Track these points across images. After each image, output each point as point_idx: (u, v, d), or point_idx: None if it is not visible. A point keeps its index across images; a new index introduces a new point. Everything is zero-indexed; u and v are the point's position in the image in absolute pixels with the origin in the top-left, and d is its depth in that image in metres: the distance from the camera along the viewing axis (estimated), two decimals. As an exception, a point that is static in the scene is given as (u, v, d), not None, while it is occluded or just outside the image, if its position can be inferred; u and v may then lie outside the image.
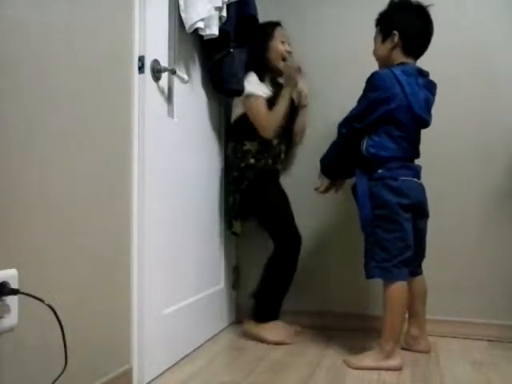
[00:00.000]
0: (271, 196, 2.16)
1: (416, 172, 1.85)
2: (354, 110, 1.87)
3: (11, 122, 1.08)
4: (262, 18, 2.16)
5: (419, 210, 1.85)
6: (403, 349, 1.92)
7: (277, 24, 2.25)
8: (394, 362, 1.74)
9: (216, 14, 1.88)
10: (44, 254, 1.18)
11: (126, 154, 1.54)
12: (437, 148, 2.16)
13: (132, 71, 1.57)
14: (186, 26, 1.81)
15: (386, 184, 1.77)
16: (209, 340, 2.10)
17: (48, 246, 1.19)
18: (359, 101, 1.86)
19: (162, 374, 1.69)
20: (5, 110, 1.06)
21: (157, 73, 1.66)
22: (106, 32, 1.42)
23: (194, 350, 1.95)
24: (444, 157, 2.20)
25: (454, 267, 2.20)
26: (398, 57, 1.85)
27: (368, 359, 1.77)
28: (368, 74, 2.04)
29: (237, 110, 2.20)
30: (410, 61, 1.86)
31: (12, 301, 1.05)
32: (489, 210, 2.19)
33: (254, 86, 2.15)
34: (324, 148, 2.09)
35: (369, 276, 1.81)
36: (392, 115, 1.78)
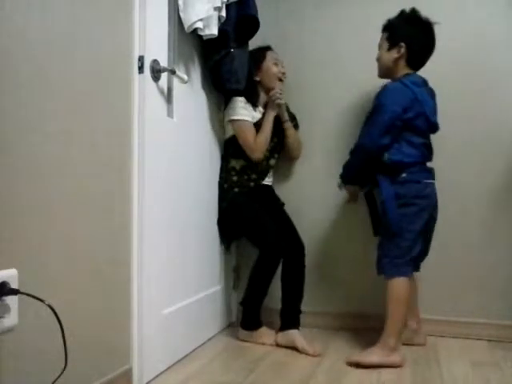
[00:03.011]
0: (246, 211, 2.17)
1: (433, 174, 1.92)
2: (375, 124, 1.86)
3: (11, 122, 1.08)
4: (262, 18, 2.16)
5: (434, 211, 1.92)
6: (403, 344, 1.92)
7: (267, 48, 2.27)
8: (396, 358, 1.78)
9: (215, 14, 1.88)
10: (44, 254, 1.18)
11: (125, 154, 1.54)
12: (437, 148, 2.16)
13: (132, 71, 1.57)
14: (185, 26, 1.81)
15: (411, 187, 1.84)
16: (209, 340, 2.10)
17: (48, 246, 1.19)
18: (376, 114, 1.86)
19: (161, 373, 1.69)
20: (5, 110, 1.06)
21: (156, 73, 1.66)
22: (105, 32, 1.42)
23: (194, 350, 1.95)
24: (444, 157, 2.19)
25: (454, 267, 2.20)
26: (402, 68, 1.91)
27: (371, 355, 1.79)
28: (366, 75, 2.05)
29: (227, 132, 2.23)
30: (412, 71, 1.91)
31: (12, 301, 1.05)
32: (489, 210, 2.18)
33: (239, 110, 2.16)
34: (326, 149, 2.11)
35: (380, 272, 1.86)
36: (411, 123, 1.84)
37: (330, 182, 2.17)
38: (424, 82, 1.91)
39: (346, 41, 2.37)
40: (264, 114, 2.22)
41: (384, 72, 1.97)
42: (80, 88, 1.31)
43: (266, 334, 2.08)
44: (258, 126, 2.18)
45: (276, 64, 2.24)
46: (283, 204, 2.33)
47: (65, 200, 1.25)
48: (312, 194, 2.38)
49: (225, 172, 2.22)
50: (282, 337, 2.04)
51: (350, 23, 2.36)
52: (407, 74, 1.89)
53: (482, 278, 2.18)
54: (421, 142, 1.88)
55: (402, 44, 1.88)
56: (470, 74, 2.20)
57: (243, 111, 2.17)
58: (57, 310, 1.07)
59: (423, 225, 1.85)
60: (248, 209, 2.16)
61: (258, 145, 2.15)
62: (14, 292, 1.05)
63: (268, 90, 2.23)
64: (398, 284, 1.80)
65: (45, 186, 1.18)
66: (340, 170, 2.04)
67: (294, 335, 2.00)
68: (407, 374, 1.72)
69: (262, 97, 2.26)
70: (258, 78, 2.23)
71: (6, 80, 1.06)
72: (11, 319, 1.06)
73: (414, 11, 1.91)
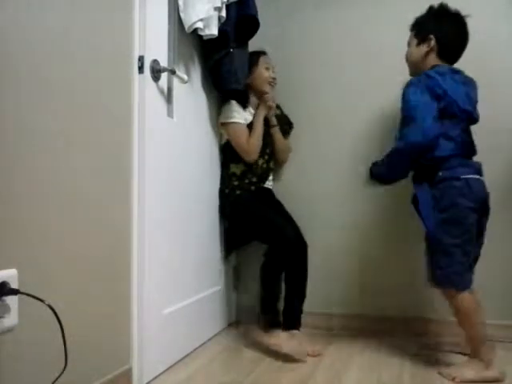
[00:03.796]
0: (252, 210, 2.16)
1: (476, 169, 1.76)
2: (414, 119, 1.72)
3: (11, 122, 1.08)
4: (262, 18, 2.16)
5: (484, 209, 1.77)
6: (461, 353, 1.86)
7: (262, 53, 2.28)
8: (495, 372, 1.65)
9: (215, 15, 1.88)
10: (44, 254, 1.18)
11: (125, 154, 1.54)
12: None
13: (132, 71, 1.57)
14: (185, 27, 1.81)
15: (450, 185, 1.70)
16: (209, 340, 2.10)
17: (48, 246, 1.19)
18: (407, 111, 1.76)
19: (161, 374, 1.69)
20: (4, 110, 1.06)
21: (156, 73, 1.66)
22: (105, 32, 1.42)
23: (194, 350, 1.95)
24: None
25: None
26: (432, 60, 1.82)
27: (470, 370, 1.66)
28: (366, 76, 2.04)
29: (222, 137, 2.24)
30: (445, 64, 1.83)
31: (12, 301, 1.05)
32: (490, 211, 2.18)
33: (232, 114, 2.17)
34: (326, 150, 2.09)
35: (437, 284, 1.73)
36: (441, 112, 1.72)
37: (331, 182, 2.18)
38: (453, 70, 1.81)
39: (345, 41, 2.36)
40: (254, 116, 2.23)
41: (414, 69, 1.88)
42: (80, 88, 1.31)
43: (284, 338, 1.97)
44: (250, 127, 2.19)
45: (267, 69, 2.25)
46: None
47: (65, 200, 1.25)
48: (311, 194, 2.38)
49: (226, 178, 2.22)
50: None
51: (349, 24, 2.36)
52: (434, 66, 1.80)
53: (482, 278, 2.17)
54: (457, 133, 1.74)
55: (432, 36, 1.80)
56: (470, 74, 2.20)
57: (235, 114, 2.18)
58: (57, 310, 1.07)
59: (472, 229, 1.69)
60: (254, 207, 2.16)
61: (250, 146, 2.16)
62: (14, 292, 1.05)
63: (258, 94, 2.25)
64: (461, 298, 1.66)
65: (44, 186, 1.18)
66: (340, 170, 2.02)
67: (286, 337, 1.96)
68: (407, 374, 1.71)
69: (253, 100, 2.27)
70: (248, 81, 2.23)
71: (6, 80, 1.06)
72: (11, 319, 1.06)
73: (442, 5, 1.83)
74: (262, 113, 2.21)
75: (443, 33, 1.82)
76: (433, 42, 1.81)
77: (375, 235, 2.28)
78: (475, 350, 1.68)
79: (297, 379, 1.68)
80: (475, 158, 1.81)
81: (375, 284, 2.05)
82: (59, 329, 1.08)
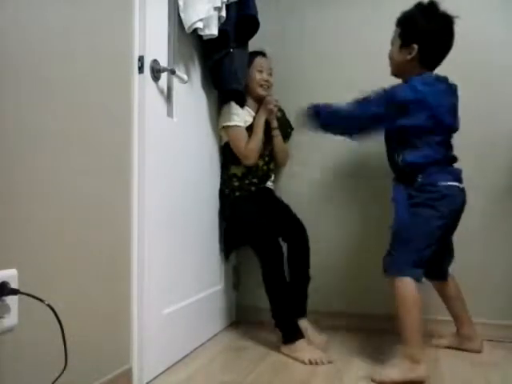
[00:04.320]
0: (245, 216, 2.14)
1: (456, 176, 1.79)
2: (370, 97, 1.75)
3: (11, 122, 1.08)
4: (262, 17, 2.16)
5: (455, 216, 1.81)
6: (455, 348, 1.93)
7: (258, 54, 2.26)
8: (420, 371, 1.61)
9: (215, 14, 1.88)
10: (44, 254, 1.18)
11: (125, 154, 1.54)
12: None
13: (132, 71, 1.57)
14: (185, 26, 1.81)
15: (426, 190, 1.72)
16: (209, 340, 2.10)
17: (48, 246, 1.19)
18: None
19: (161, 373, 1.69)
20: (4, 110, 1.06)
21: (156, 73, 1.66)
22: (105, 32, 1.42)
23: (194, 350, 1.95)
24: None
25: (454, 267, 2.20)
26: (414, 68, 1.79)
27: (393, 371, 1.64)
28: (366, 75, 2.04)
29: (222, 139, 2.24)
30: (426, 71, 1.80)
31: (12, 301, 1.05)
32: (489, 209, 2.18)
33: (232, 116, 2.17)
34: (325, 150, 2.06)
35: (384, 271, 1.75)
36: (420, 127, 1.72)
37: (331, 182, 2.18)
38: (439, 79, 1.80)
39: (345, 40, 2.37)
40: (255, 118, 2.22)
41: (395, 70, 1.87)
42: (80, 88, 1.31)
43: (306, 348, 1.89)
44: (250, 129, 2.19)
45: (260, 71, 2.23)
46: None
47: (65, 200, 1.25)
48: (310, 195, 2.38)
49: (226, 179, 2.22)
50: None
51: (350, 23, 2.37)
52: (419, 74, 1.77)
53: (482, 277, 2.18)
54: (438, 140, 1.75)
55: (415, 46, 1.75)
56: (470, 74, 2.20)
57: (235, 117, 2.17)
58: (57, 310, 1.07)
59: (438, 228, 1.72)
60: (247, 213, 2.14)
61: (248, 151, 2.15)
62: (14, 292, 1.05)
63: (254, 96, 2.24)
64: (403, 285, 1.67)
65: (44, 186, 1.18)
66: (340, 170, 2.03)
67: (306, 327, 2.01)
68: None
69: (251, 102, 2.26)
70: (245, 83, 2.21)
71: (6, 80, 1.06)
72: (11, 319, 1.06)
73: (431, 3, 1.75)
74: (263, 116, 2.20)
75: (427, 41, 1.76)
76: (414, 52, 1.77)
77: (376, 235, 2.27)
78: (405, 342, 1.64)
79: (297, 379, 1.68)
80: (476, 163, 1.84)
81: (376, 283, 2.04)
82: (59, 329, 1.08)
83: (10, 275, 1.06)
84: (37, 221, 1.15)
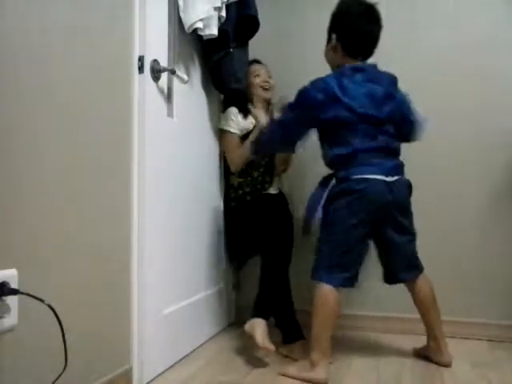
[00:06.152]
0: (241, 227, 2.18)
1: (385, 168, 1.66)
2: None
3: (11, 121, 1.08)
4: (262, 17, 2.16)
5: (386, 213, 1.69)
6: (426, 358, 1.84)
7: (253, 61, 2.27)
8: (316, 374, 1.62)
9: (215, 15, 1.88)
10: (44, 254, 1.18)
11: (125, 154, 1.54)
12: (436, 149, 2.16)
13: (132, 71, 1.57)
14: (185, 27, 1.81)
15: (342, 190, 1.68)
16: (209, 340, 2.10)
17: (48, 246, 1.19)
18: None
19: (161, 373, 1.69)
20: (4, 110, 1.06)
21: (156, 73, 1.66)
22: (105, 32, 1.42)
23: (194, 350, 1.95)
24: (444, 157, 2.20)
25: (454, 267, 2.20)
26: (342, 59, 1.78)
27: (293, 368, 1.69)
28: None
29: (220, 146, 2.26)
30: (355, 62, 1.77)
31: (12, 301, 1.05)
32: (489, 210, 2.19)
33: (227, 122, 2.18)
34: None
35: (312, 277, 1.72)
36: (341, 119, 1.68)
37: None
38: (355, 69, 1.73)
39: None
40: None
41: (331, 67, 1.86)
42: (80, 88, 1.31)
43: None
44: (247, 136, 2.16)
45: (257, 76, 2.23)
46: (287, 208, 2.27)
47: (65, 200, 1.25)
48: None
49: (226, 189, 2.25)
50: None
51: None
52: (341, 66, 1.76)
53: (482, 277, 2.18)
54: (364, 131, 1.67)
55: (333, 35, 1.78)
56: (470, 74, 2.20)
57: (230, 122, 2.17)
58: (57, 310, 1.07)
59: (355, 230, 1.65)
60: (238, 227, 2.19)
61: (231, 160, 2.18)
62: (14, 292, 1.05)
63: (260, 101, 2.24)
64: (319, 293, 1.66)
65: (45, 186, 1.18)
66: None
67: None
68: (407, 375, 1.71)
69: (259, 111, 2.24)
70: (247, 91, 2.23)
71: (5, 80, 1.06)
72: (11, 319, 1.06)
73: None
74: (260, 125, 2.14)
75: (345, 29, 1.77)
76: (334, 41, 1.78)
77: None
78: (311, 344, 1.65)
79: (297, 379, 1.68)
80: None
81: (375, 283, 2.04)
82: (59, 329, 1.08)
83: (9, 275, 1.06)
84: (37, 221, 1.15)
